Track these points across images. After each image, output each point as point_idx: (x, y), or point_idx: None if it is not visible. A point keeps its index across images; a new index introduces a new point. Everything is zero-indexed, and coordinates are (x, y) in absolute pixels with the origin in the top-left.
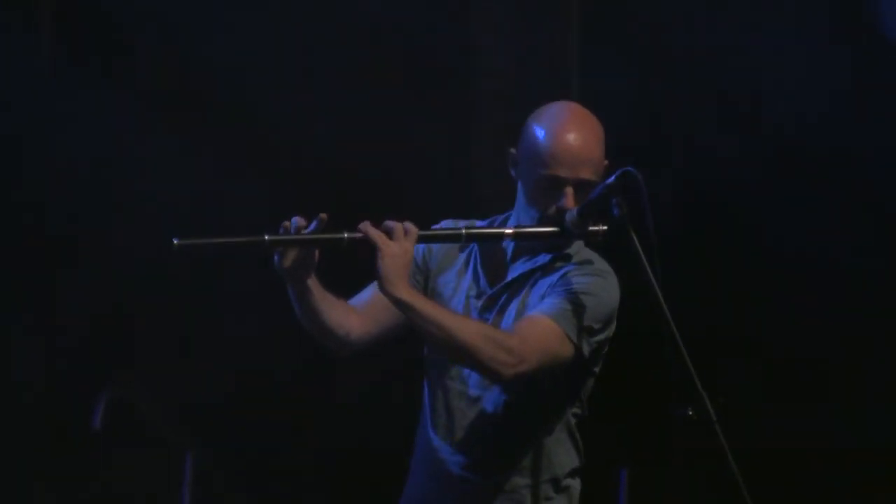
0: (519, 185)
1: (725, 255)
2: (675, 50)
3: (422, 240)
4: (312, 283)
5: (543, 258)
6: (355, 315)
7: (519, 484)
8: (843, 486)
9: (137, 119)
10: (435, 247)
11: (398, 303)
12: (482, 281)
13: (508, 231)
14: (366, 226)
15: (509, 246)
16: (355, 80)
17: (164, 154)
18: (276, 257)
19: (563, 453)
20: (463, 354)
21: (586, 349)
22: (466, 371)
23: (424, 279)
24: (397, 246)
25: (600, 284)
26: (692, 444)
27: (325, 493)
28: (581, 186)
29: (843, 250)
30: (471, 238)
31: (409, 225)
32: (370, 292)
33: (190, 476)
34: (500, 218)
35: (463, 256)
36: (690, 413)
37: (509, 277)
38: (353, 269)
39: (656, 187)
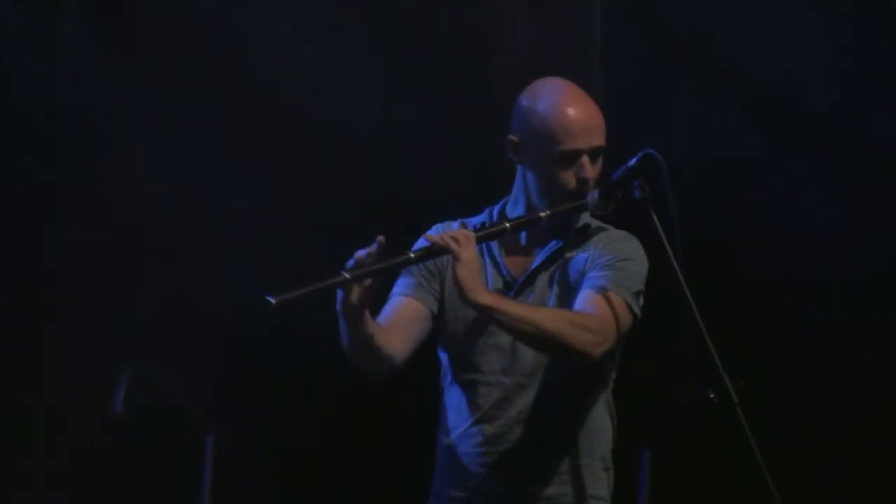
0: (523, 170)
1: (744, 234)
2: (695, 27)
3: (477, 241)
4: (364, 313)
5: (562, 237)
6: (393, 335)
7: (573, 465)
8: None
9: (159, 97)
10: None
11: (484, 309)
12: (505, 271)
13: (543, 213)
14: (435, 239)
15: (522, 233)
16: (371, 60)
17: (186, 134)
18: (339, 295)
19: (605, 431)
20: (553, 344)
21: (638, 313)
22: (505, 364)
23: (441, 283)
24: (467, 252)
25: (632, 247)
26: (714, 426)
27: (348, 476)
28: (594, 153)
29: (856, 230)
30: (514, 229)
31: (466, 230)
32: (395, 308)
33: (211, 459)
34: (497, 208)
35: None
36: (712, 395)
37: (537, 261)
38: None
39: (673, 165)
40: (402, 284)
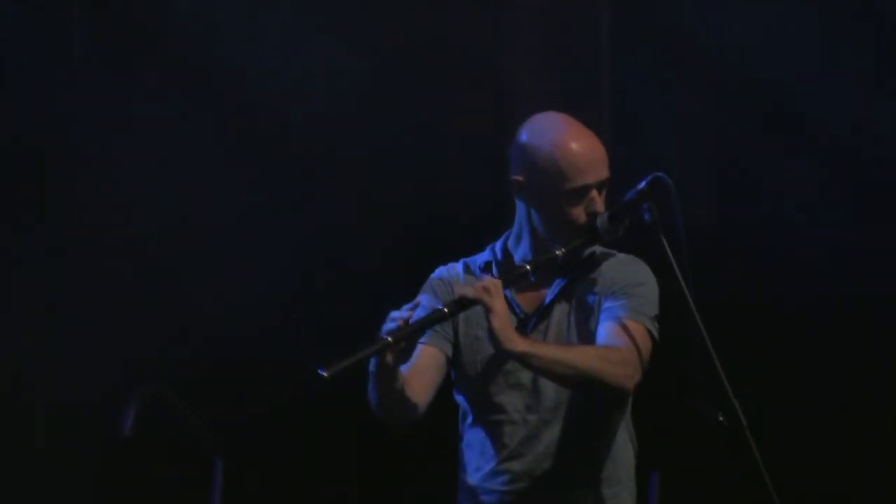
0: (527, 207)
1: (743, 234)
2: (703, 41)
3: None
4: (397, 371)
5: (570, 268)
6: (415, 383)
7: (600, 496)
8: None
9: (159, 104)
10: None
11: (520, 356)
12: (518, 308)
13: (559, 252)
14: (467, 291)
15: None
16: (381, 77)
17: (186, 138)
18: (373, 360)
19: (629, 459)
20: (588, 381)
21: (657, 338)
22: (529, 402)
23: (454, 327)
24: (499, 302)
25: (642, 271)
26: (723, 449)
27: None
28: (602, 186)
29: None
30: (535, 269)
31: (492, 279)
32: (414, 356)
33: (220, 483)
34: (499, 244)
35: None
36: (721, 419)
37: (550, 296)
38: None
39: (683, 183)
40: None
